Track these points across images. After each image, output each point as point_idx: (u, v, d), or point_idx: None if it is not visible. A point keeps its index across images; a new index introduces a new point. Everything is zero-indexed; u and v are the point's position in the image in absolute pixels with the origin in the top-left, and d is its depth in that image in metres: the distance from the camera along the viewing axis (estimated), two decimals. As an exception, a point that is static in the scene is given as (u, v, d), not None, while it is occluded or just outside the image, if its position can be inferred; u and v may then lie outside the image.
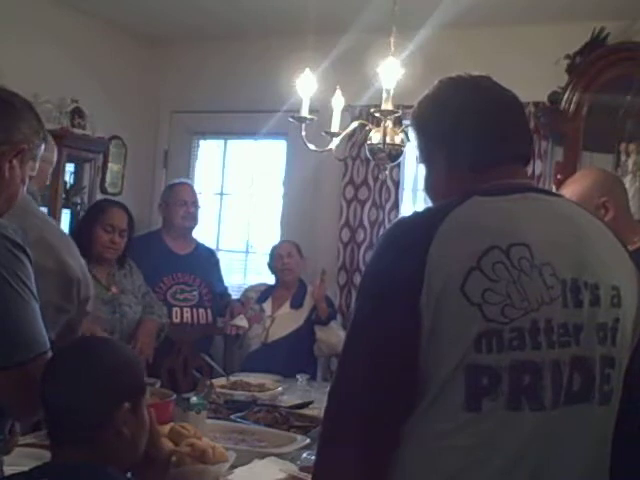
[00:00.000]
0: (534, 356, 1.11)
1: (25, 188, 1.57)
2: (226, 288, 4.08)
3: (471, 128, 1.28)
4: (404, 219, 1.28)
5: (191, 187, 4.06)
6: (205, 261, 3.98)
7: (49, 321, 2.05)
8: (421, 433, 1.13)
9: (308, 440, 2.28)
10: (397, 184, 4.19)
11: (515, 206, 1.21)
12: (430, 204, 1.35)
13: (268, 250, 4.01)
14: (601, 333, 1.18)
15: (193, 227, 3.94)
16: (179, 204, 3.87)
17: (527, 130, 1.37)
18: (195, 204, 3.91)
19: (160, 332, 3.42)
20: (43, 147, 1.59)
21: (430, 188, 1.36)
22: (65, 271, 2.13)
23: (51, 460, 1.43)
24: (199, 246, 4.01)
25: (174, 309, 3.70)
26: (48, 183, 2.61)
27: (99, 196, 4.34)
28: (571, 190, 2.13)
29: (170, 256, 3.83)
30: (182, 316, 3.75)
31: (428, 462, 1.13)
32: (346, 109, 3.27)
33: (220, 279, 4.05)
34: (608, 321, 1.19)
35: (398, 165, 3.72)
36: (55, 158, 2.43)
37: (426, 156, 1.35)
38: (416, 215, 1.28)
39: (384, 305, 1.14)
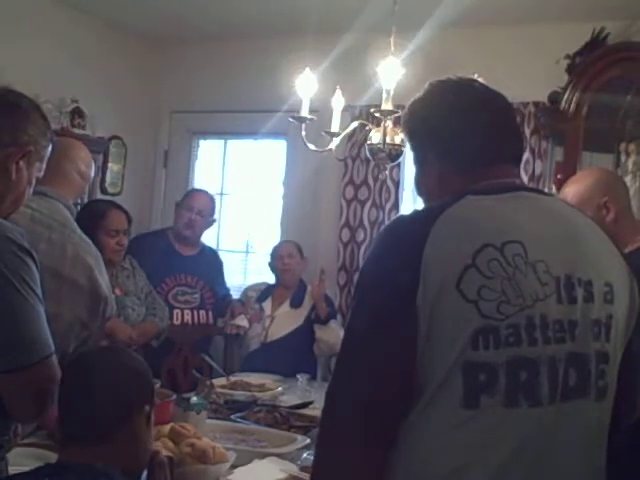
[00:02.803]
0: (530, 352, 1.12)
1: (31, 189, 1.58)
2: (228, 290, 4.08)
3: (461, 129, 1.30)
4: (400, 219, 1.31)
5: (206, 196, 3.97)
6: (209, 263, 3.97)
7: (74, 336, 2.09)
8: (420, 431, 1.14)
9: (308, 440, 2.28)
10: (397, 184, 4.19)
11: (508, 205, 1.22)
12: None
13: (268, 250, 4.01)
14: (595, 329, 1.19)
15: (191, 236, 3.85)
16: (185, 208, 3.84)
17: (517, 130, 1.40)
18: (201, 214, 3.82)
19: (159, 335, 3.42)
20: (50, 148, 1.60)
21: (423, 189, 1.38)
22: (96, 289, 2.19)
23: (58, 460, 1.44)
24: (205, 248, 4.01)
25: (175, 311, 3.70)
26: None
27: (99, 196, 4.34)
28: (573, 190, 2.13)
29: (174, 256, 3.83)
30: (183, 318, 3.75)
31: (427, 460, 1.14)
32: (346, 109, 3.27)
33: (223, 282, 4.05)
34: (602, 317, 1.21)
35: (398, 165, 3.72)
36: (92, 174, 2.47)
37: (418, 157, 1.37)
38: (411, 215, 1.30)
39: (381, 305, 1.14)
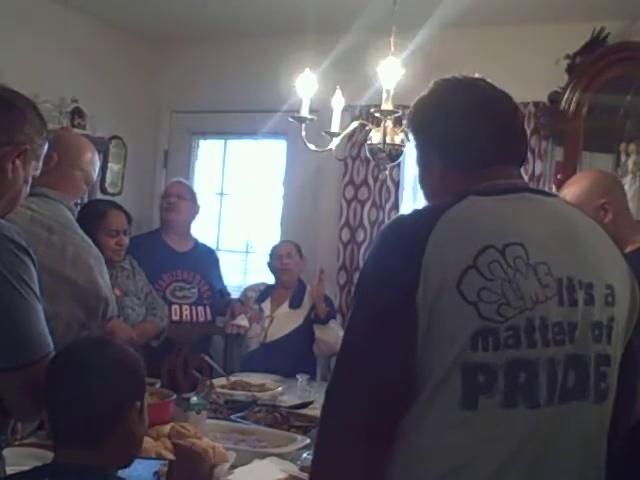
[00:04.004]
0: (529, 354, 1.12)
1: (28, 188, 1.58)
2: (225, 287, 4.08)
3: (465, 128, 1.29)
4: (401, 218, 1.31)
5: (181, 184, 4.05)
6: (205, 258, 3.98)
7: (72, 336, 2.10)
8: (418, 430, 1.14)
9: (308, 440, 2.28)
10: (397, 184, 4.19)
11: (510, 206, 1.22)
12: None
13: (268, 250, 4.01)
14: (597, 331, 1.19)
15: (176, 220, 3.88)
16: (164, 197, 3.94)
17: (522, 131, 1.38)
18: (179, 196, 3.88)
19: (159, 335, 3.42)
20: (46, 146, 1.60)
21: (425, 188, 1.38)
22: (95, 290, 2.20)
23: (54, 460, 1.43)
24: (198, 244, 4.02)
25: (173, 306, 3.70)
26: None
27: (99, 196, 4.34)
28: (570, 192, 2.13)
29: (170, 253, 3.84)
30: (181, 314, 3.75)
31: (425, 460, 1.14)
32: (346, 109, 3.26)
33: (219, 277, 4.05)
34: (603, 320, 1.21)
35: (398, 165, 3.72)
36: (95, 176, 2.48)
37: (421, 156, 1.37)
38: (412, 214, 1.29)
39: (382, 305, 1.14)
